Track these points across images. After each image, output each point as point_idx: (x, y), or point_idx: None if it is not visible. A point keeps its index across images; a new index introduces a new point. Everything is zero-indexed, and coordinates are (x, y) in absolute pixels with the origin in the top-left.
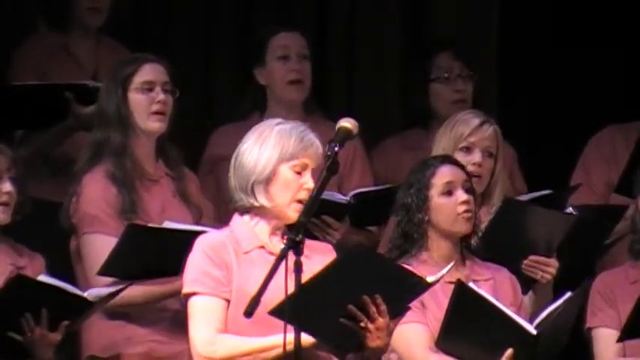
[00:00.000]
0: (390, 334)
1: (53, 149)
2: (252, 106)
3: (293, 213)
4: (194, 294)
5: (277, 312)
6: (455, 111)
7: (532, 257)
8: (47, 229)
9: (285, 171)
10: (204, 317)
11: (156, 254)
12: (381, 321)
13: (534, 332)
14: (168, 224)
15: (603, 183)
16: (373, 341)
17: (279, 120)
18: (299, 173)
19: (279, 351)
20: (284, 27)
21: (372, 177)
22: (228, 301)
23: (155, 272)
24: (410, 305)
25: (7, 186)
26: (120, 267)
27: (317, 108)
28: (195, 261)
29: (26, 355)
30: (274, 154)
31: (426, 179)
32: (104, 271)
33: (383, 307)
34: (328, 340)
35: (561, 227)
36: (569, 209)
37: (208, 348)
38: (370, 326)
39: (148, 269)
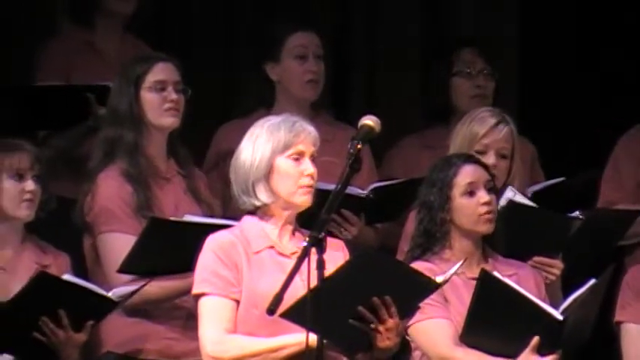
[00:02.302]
0: (399, 334)
1: (74, 150)
2: (258, 101)
3: (300, 197)
4: (203, 294)
5: (288, 314)
6: (474, 107)
7: (536, 258)
8: (67, 226)
9: (282, 162)
10: (213, 317)
11: (175, 250)
12: (390, 322)
13: (560, 317)
14: (188, 218)
15: (633, 181)
16: (383, 342)
17: (270, 117)
18: (297, 160)
19: (288, 351)
20: (301, 26)
21: (377, 176)
22: (238, 302)
23: (173, 268)
24: (425, 303)
25: (31, 184)
26: (140, 264)
27: (327, 107)
28: (205, 261)
29: (52, 356)
30: (267, 149)
31: (449, 179)
32: (124, 268)
33: (393, 308)
34: (338, 340)
35: (565, 230)
36: (576, 213)
37: (217, 348)
38: (380, 327)
39: (166, 265)
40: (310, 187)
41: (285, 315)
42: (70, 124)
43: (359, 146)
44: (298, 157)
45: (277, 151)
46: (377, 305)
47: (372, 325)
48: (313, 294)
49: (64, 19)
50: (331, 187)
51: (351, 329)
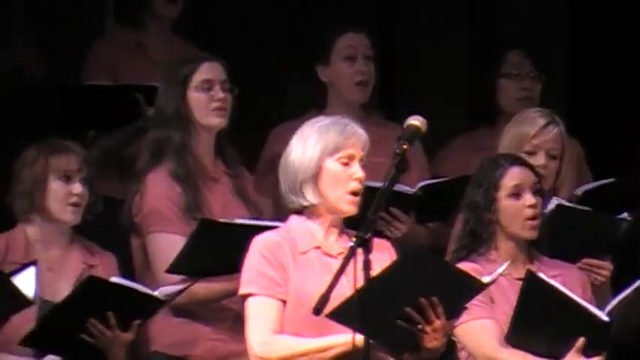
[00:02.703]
0: (446, 334)
1: (123, 150)
2: (311, 103)
3: (346, 206)
4: (250, 295)
5: (335, 315)
6: (520, 108)
7: (585, 260)
8: (114, 226)
9: (332, 164)
10: (260, 318)
11: (223, 251)
12: (437, 322)
13: (606, 319)
14: (238, 219)
15: None
16: (430, 342)
17: (320, 118)
18: (346, 164)
19: (335, 352)
20: (351, 27)
21: (429, 175)
22: (284, 302)
23: (221, 269)
24: (471, 304)
25: (78, 187)
26: (189, 265)
27: (380, 107)
28: (252, 262)
29: (99, 356)
30: (317, 150)
31: (495, 180)
32: (173, 268)
33: (439, 309)
34: (385, 341)
35: (614, 231)
36: (624, 214)
37: (264, 349)
38: (427, 328)
39: (214, 266)
40: (357, 194)
41: (332, 315)
42: (120, 125)
43: (405, 146)
44: (347, 161)
45: (327, 153)
46: (424, 306)
47: (419, 326)
48: (360, 294)
49: (111, 20)
50: (380, 184)
51: (397, 330)
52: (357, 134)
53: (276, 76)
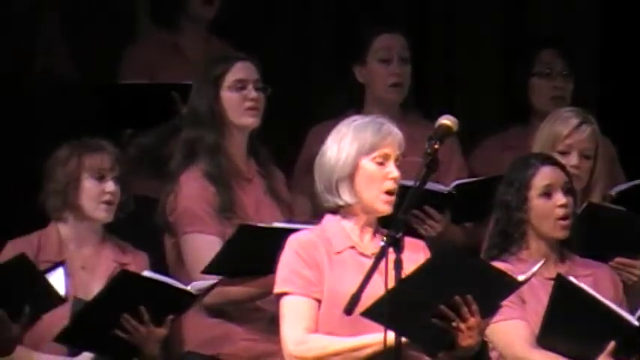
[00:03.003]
0: (481, 333)
1: (160, 149)
2: (347, 103)
3: (382, 205)
4: (285, 294)
5: (369, 313)
6: (553, 107)
7: (617, 259)
8: (151, 225)
9: (367, 164)
10: (294, 317)
11: (259, 252)
12: (472, 320)
13: (636, 324)
14: (277, 224)
15: None
16: (465, 340)
17: (356, 117)
18: (381, 164)
19: (370, 351)
20: (387, 28)
21: (468, 174)
22: (319, 301)
23: (257, 270)
24: (502, 304)
25: (111, 185)
26: (225, 266)
27: (414, 107)
28: (287, 261)
29: (133, 352)
30: (353, 149)
31: (527, 179)
32: (210, 269)
33: (474, 307)
34: (420, 339)
35: None
36: None
37: (299, 347)
38: (462, 326)
39: (251, 267)
40: (392, 194)
41: (366, 314)
42: (156, 123)
43: (436, 146)
44: (383, 160)
45: (362, 152)
46: (459, 304)
47: (454, 324)
48: (394, 292)
49: (146, 20)
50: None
51: (432, 328)
52: (393, 133)
53: (314, 76)
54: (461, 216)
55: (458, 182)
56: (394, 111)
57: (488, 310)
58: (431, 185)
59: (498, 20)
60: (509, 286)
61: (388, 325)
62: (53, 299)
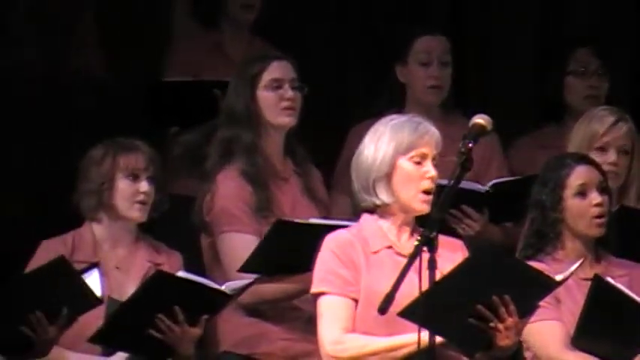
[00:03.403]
0: (518, 333)
1: (203, 147)
2: (389, 103)
3: (419, 205)
4: (322, 293)
5: (406, 313)
6: (587, 106)
7: None
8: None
9: (405, 163)
10: (332, 317)
11: (296, 250)
12: (510, 320)
13: None
14: (313, 220)
15: None
16: (502, 340)
17: (394, 116)
18: (419, 163)
19: (406, 350)
20: (428, 29)
21: (508, 173)
22: (356, 301)
23: (293, 268)
24: (539, 304)
25: (145, 185)
26: (261, 264)
27: (455, 106)
28: (324, 260)
29: (167, 352)
30: (390, 149)
31: (561, 179)
32: (246, 268)
33: (512, 307)
34: (457, 339)
35: None
36: None
37: (336, 347)
38: (499, 326)
39: (287, 265)
40: (430, 193)
41: (403, 313)
42: (200, 122)
43: (470, 145)
44: (420, 160)
45: (400, 152)
46: (496, 304)
47: (492, 324)
48: (432, 292)
49: (187, 21)
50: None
51: (470, 328)
52: (430, 133)
53: (350, 75)
54: (499, 215)
55: (495, 181)
56: (434, 111)
57: (526, 310)
58: (468, 184)
59: (534, 19)
60: (547, 286)
61: (425, 326)
62: (90, 301)
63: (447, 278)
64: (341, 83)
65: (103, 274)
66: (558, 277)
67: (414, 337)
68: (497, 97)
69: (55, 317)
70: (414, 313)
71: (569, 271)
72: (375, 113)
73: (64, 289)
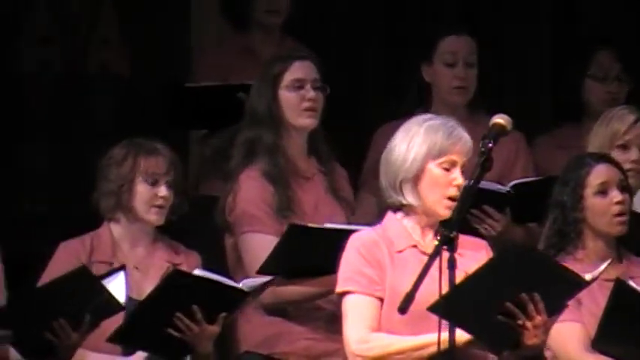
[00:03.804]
0: (547, 331)
1: (230, 149)
2: (415, 102)
3: (443, 210)
4: (348, 293)
5: (435, 308)
6: (606, 107)
7: None
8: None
9: (434, 168)
10: (357, 316)
11: (315, 253)
12: (538, 319)
13: None
14: (328, 225)
15: None
16: (530, 339)
17: (429, 116)
18: (447, 170)
19: (432, 349)
20: (454, 29)
21: (534, 172)
22: (382, 300)
23: (314, 270)
24: (567, 303)
25: (163, 190)
26: (280, 265)
27: (481, 106)
28: (349, 260)
29: (186, 350)
30: (422, 151)
31: (582, 178)
32: (264, 269)
33: (541, 305)
34: (485, 337)
35: None
36: None
37: (361, 346)
38: (528, 324)
39: (306, 267)
40: (454, 199)
41: (432, 309)
42: (227, 125)
43: (490, 145)
44: (449, 166)
45: (431, 157)
46: (525, 301)
47: (520, 322)
48: (461, 289)
49: (218, 23)
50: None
51: (498, 326)
52: (463, 140)
53: (370, 75)
54: (522, 216)
55: (516, 182)
56: (460, 111)
57: (554, 308)
58: (489, 185)
59: (549, 20)
60: (576, 284)
61: (454, 322)
62: (113, 307)
63: (476, 275)
64: (357, 83)
65: (125, 281)
66: (587, 277)
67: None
68: (511, 98)
69: (77, 323)
70: (443, 309)
71: (597, 270)
72: (401, 113)
73: (87, 297)
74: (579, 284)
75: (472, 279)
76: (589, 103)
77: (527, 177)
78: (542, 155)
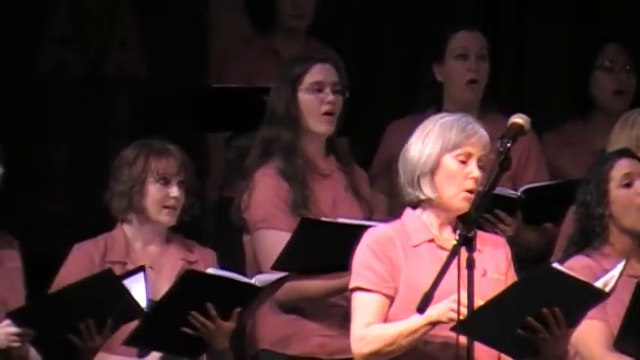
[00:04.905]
0: (567, 342)
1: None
2: (428, 101)
3: (460, 202)
4: (357, 289)
5: (458, 329)
6: (614, 102)
7: None
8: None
9: (449, 161)
10: (361, 313)
11: (329, 248)
12: (559, 332)
13: None
14: (341, 219)
15: None
16: (551, 351)
17: (443, 114)
18: (463, 162)
19: (422, 332)
20: (465, 25)
21: (547, 173)
22: (390, 298)
23: (328, 266)
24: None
25: (175, 190)
26: (294, 261)
27: (493, 105)
28: (360, 255)
29: (203, 348)
30: (437, 146)
31: (605, 173)
32: (278, 265)
33: (561, 319)
34: (506, 349)
35: None
36: None
37: (359, 344)
38: (548, 337)
39: (321, 263)
40: (472, 192)
41: (455, 329)
42: (251, 128)
43: (509, 145)
44: (465, 159)
45: (446, 150)
46: (546, 316)
47: (541, 335)
48: (482, 311)
49: (244, 25)
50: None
51: (519, 338)
52: (479, 134)
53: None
54: (534, 218)
55: (526, 187)
56: (473, 109)
57: (575, 319)
58: (501, 190)
59: (568, 18)
60: (596, 297)
61: (476, 340)
62: (136, 311)
63: (498, 298)
64: (366, 84)
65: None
66: (607, 289)
67: (424, 318)
68: (533, 97)
69: (101, 326)
70: (466, 329)
71: (613, 279)
72: (413, 111)
73: (111, 300)
74: (600, 296)
75: (494, 301)
76: (598, 97)
77: (540, 179)
78: (549, 152)
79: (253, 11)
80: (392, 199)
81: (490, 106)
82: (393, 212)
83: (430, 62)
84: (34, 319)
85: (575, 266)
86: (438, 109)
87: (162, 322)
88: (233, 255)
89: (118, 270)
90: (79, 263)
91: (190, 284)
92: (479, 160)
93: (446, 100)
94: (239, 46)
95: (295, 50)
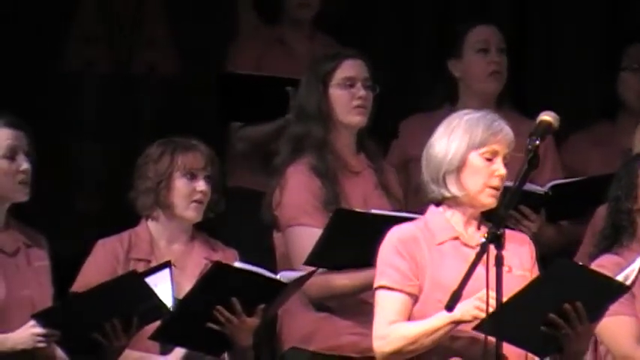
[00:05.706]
0: (590, 338)
1: (271, 143)
2: (444, 97)
3: (486, 198)
4: (381, 287)
5: (480, 328)
6: None
7: None
8: (259, 219)
9: (475, 158)
10: (382, 311)
11: (361, 243)
12: (581, 328)
13: None
14: (374, 210)
15: None
16: (573, 346)
17: (468, 110)
18: (489, 160)
19: (444, 331)
20: (481, 20)
21: (562, 171)
22: (414, 296)
23: (360, 261)
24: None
25: (202, 185)
26: (326, 256)
27: (509, 101)
28: (384, 254)
29: (226, 345)
30: (463, 143)
31: (634, 169)
32: (311, 260)
33: (584, 314)
34: (529, 346)
35: None
36: None
37: (380, 342)
38: (571, 332)
39: (353, 259)
40: (498, 189)
41: (478, 328)
42: (268, 118)
43: (537, 143)
44: (491, 157)
45: (472, 147)
46: (568, 311)
47: (563, 331)
48: (505, 308)
49: (251, 15)
50: (510, 183)
51: (541, 334)
52: (504, 131)
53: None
54: (556, 215)
55: (554, 183)
56: (490, 105)
57: (597, 314)
58: (527, 185)
59: (597, 16)
60: (618, 291)
61: (499, 339)
62: (162, 312)
63: (520, 294)
64: (402, 82)
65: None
66: (628, 282)
67: (448, 317)
68: (561, 96)
69: (127, 325)
70: (489, 328)
71: (634, 272)
72: (427, 108)
73: (137, 300)
74: (621, 290)
75: (515, 299)
76: (624, 98)
77: (556, 178)
78: (577, 152)
79: (260, 1)
80: (407, 197)
81: (505, 102)
82: (407, 209)
83: (444, 60)
84: (60, 320)
85: (607, 264)
86: (453, 105)
87: (188, 316)
88: (248, 246)
89: (141, 267)
90: (103, 260)
91: (219, 278)
92: (504, 157)
93: (463, 95)
94: (246, 36)
95: (301, 42)
